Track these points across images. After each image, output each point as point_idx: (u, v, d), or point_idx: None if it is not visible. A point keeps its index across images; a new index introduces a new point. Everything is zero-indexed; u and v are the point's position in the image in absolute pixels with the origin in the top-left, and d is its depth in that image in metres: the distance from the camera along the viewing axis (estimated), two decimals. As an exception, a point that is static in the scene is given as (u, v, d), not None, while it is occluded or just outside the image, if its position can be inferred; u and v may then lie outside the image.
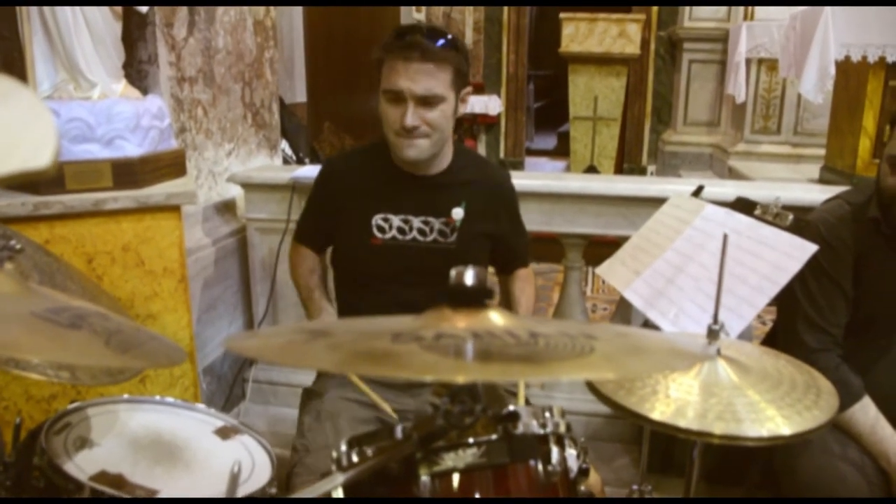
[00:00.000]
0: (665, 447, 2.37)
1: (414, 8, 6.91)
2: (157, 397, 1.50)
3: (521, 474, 0.87)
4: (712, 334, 1.22)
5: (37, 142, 0.45)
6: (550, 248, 2.75)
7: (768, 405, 1.12)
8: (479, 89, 7.42)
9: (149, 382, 1.99)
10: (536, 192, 2.43)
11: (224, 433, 1.46)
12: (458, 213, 1.80)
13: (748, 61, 5.94)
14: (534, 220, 2.39)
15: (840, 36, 3.94)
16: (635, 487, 1.98)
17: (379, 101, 1.68)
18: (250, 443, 1.45)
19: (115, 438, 1.36)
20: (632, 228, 2.13)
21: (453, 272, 0.79)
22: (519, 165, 8.11)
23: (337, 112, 4.78)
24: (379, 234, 1.77)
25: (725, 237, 1.20)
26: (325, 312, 1.87)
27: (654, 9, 7.18)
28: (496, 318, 0.78)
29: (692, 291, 1.71)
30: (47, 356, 0.84)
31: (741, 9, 6.43)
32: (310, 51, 4.63)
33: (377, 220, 1.77)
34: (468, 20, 7.74)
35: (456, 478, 0.82)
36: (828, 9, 3.91)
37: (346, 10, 5.18)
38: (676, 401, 1.13)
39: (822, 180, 4.33)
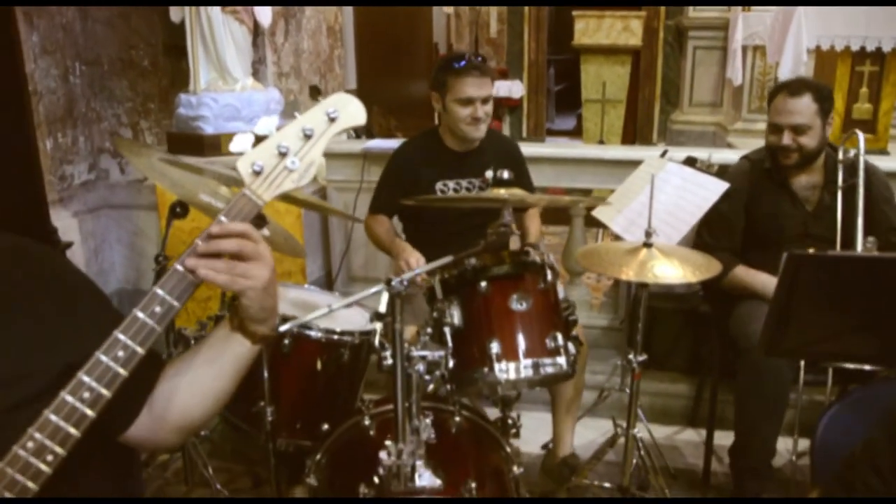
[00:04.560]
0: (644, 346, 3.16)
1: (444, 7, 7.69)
2: (302, 285, 2.34)
3: (529, 281, 1.69)
4: (647, 235, 2.02)
5: (356, 115, 1.22)
6: (560, 213, 3.54)
7: (682, 268, 1.93)
8: (503, 74, 8.18)
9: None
10: (549, 157, 3.23)
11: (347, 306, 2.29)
12: (489, 174, 2.61)
13: (744, 48, 6.62)
14: (548, 177, 3.20)
15: (812, 28, 4.58)
16: (619, 362, 2.77)
17: (446, 105, 2.48)
18: (363, 311, 2.28)
19: (282, 302, 2.19)
20: (617, 183, 2.89)
21: (491, 173, 1.62)
22: (539, 145, 8.86)
23: (382, 97, 5.58)
24: (441, 195, 2.56)
25: (652, 178, 2.01)
26: (406, 247, 2.51)
27: (663, 1, 7.90)
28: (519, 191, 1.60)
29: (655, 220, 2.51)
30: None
31: (741, -1, 7.11)
32: (359, 45, 5.43)
33: (439, 185, 2.59)
34: (492, 12, 8.50)
35: (496, 281, 1.64)
36: (800, 7, 4.58)
37: (388, 8, 5.97)
38: (632, 268, 1.94)
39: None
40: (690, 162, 2.54)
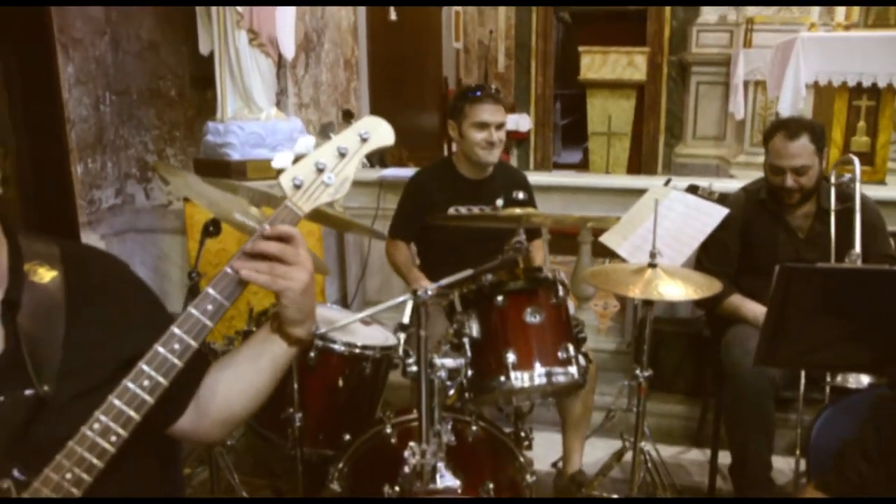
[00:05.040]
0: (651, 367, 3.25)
1: (453, 38, 7.91)
2: (325, 304, 2.45)
3: (542, 296, 1.80)
4: (652, 256, 2.14)
5: (386, 136, 1.35)
6: (569, 243, 3.66)
7: (684, 286, 2.04)
8: (510, 108, 8.37)
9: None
10: (558, 186, 3.36)
11: (366, 323, 2.40)
12: (500, 202, 2.75)
13: (746, 83, 6.80)
14: (556, 206, 3.32)
15: (811, 64, 4.71)
16: (626, 383, 2.86)
17: (462, 131, 2.64)
18: (383, 329, 2.39)
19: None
20: (624, 210, 3.01)
21: (501, 201, 1.74)
22: (546, 176, 9.00)
23: (395, 128, 5.73)
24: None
25: (656, 203, 2.13)
26: (420, 277, 2.70)
27: (666, 36, 8.11)
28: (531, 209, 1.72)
29: (659, 244, 2.63)
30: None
31: (741, 35, 7.30)
32: (372, 78, 5.61)
33: (452, 211, 2.71)
34: (500, 47, 8.72)
35: (511, 296, 1.75)
36: (799, 41, 4.71)
37: (400, 43, 6.17)
38: (638, 286, 2.05)
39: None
40: (693, 190, 2.66)
